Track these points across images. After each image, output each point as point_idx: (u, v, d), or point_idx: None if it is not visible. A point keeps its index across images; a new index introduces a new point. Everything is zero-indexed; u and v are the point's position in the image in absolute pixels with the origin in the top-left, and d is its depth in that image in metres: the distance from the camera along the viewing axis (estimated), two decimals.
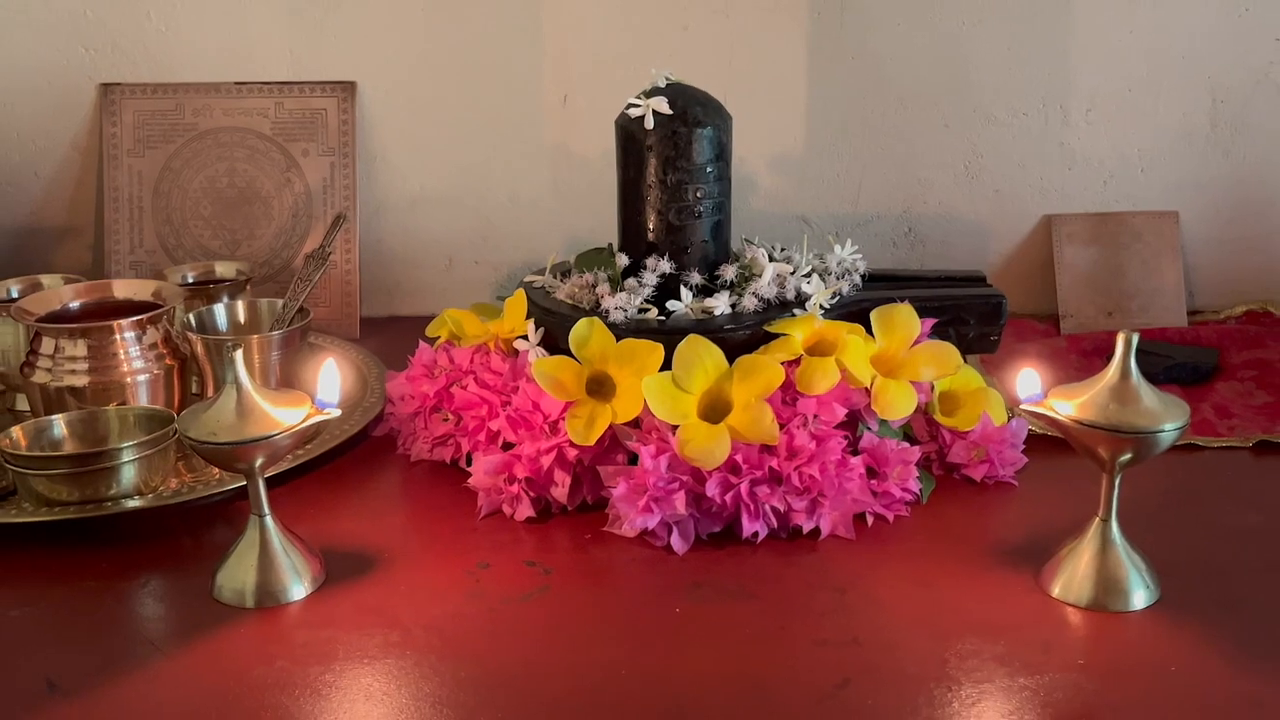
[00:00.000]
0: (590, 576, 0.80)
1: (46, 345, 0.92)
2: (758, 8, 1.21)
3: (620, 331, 0.89)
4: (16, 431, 0.87)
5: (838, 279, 0.97)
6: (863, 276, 0.99)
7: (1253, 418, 1.01)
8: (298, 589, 0.77)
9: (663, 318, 0.91)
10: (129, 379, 0.92)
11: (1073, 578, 0.75)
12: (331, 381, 0.79)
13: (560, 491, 0.86)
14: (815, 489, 0.82)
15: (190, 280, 1.14)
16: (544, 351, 0.91)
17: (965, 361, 0.92)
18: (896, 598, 0.77)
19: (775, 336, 0.89)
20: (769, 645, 0.72)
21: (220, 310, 1.04)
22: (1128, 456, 0.73)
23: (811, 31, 1.22)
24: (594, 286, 0.93)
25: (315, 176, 1.26)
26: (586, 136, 1.25)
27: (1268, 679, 0.68)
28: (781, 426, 0.83)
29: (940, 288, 1.00)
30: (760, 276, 0.93)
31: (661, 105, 0.91)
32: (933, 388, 0.92)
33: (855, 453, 0.86)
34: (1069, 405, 0.74)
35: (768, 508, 0.82)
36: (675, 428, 0.83)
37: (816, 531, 0.83)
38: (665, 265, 0.93)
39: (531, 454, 0.85)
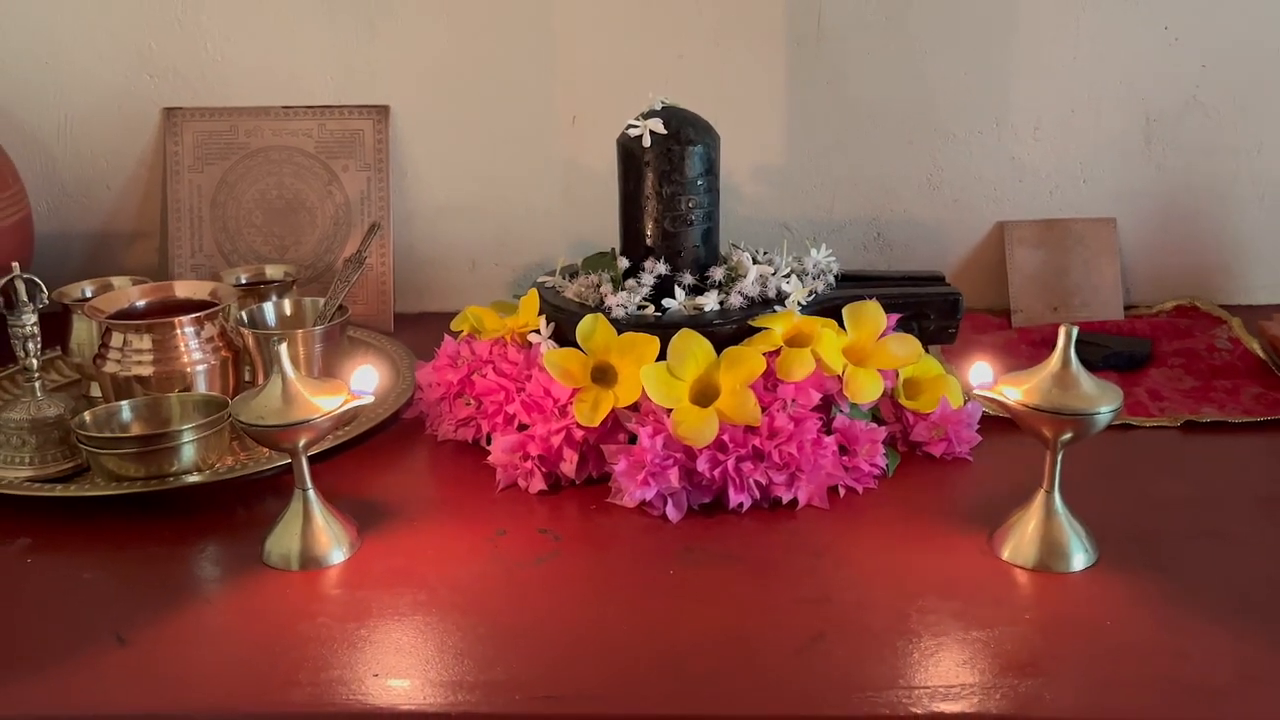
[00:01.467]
0: (595, 542, 0.80)
1: (116, 339, 0.91)
2: (744, 38, 1.21)
3: (621, 326, 0.88)
4: (89, 415, 0.87)
5: (814, 279, 0.96)
6: (836, 277, 0.99)
7: (1181, 400, 1.01)
8: (337, 554, 0.77)
9: (659, 314, 0.91)
10: (189, 369, 0.91)
11: (1020, 542, 0.75)
12: (367, 373, 0.79)
13: (569, 467, 0.86)
14: (793, 464, 0.82)
15: (243, 281, 1.14)
16: (554, 344, 0.91)
17: (926, 351, 0.92)
18: (865, 560, 0.77)
19: (758, 330, 0.89)
20: (752, 602, 0.72)
21: (269, 308, 1.04)
22: (1069, 435, 0.73)
23: (791, 59, 1.21)
24: (598, 286, 0.93)
25: (354, 189, 1.25)
26: (592, 153, 1.25)
27: (1191, 632, 0.68)
28: (763, 409, 0.83)
29: (904, 286, 0.99)
30: (745, 277, 0.93)
31: (658, 126, 0.91)
32: (898, 375, 0.91)
33: (829, 432, 0.86)
34: (1017, 390, 0.74)
35: (751, 481, 0.82)
36: (670, 411, 0.83)
37: (794, 502, 0.83)
38: (661, 267, 0.93)
39: (543, 434, 0.85)
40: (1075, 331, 0.73)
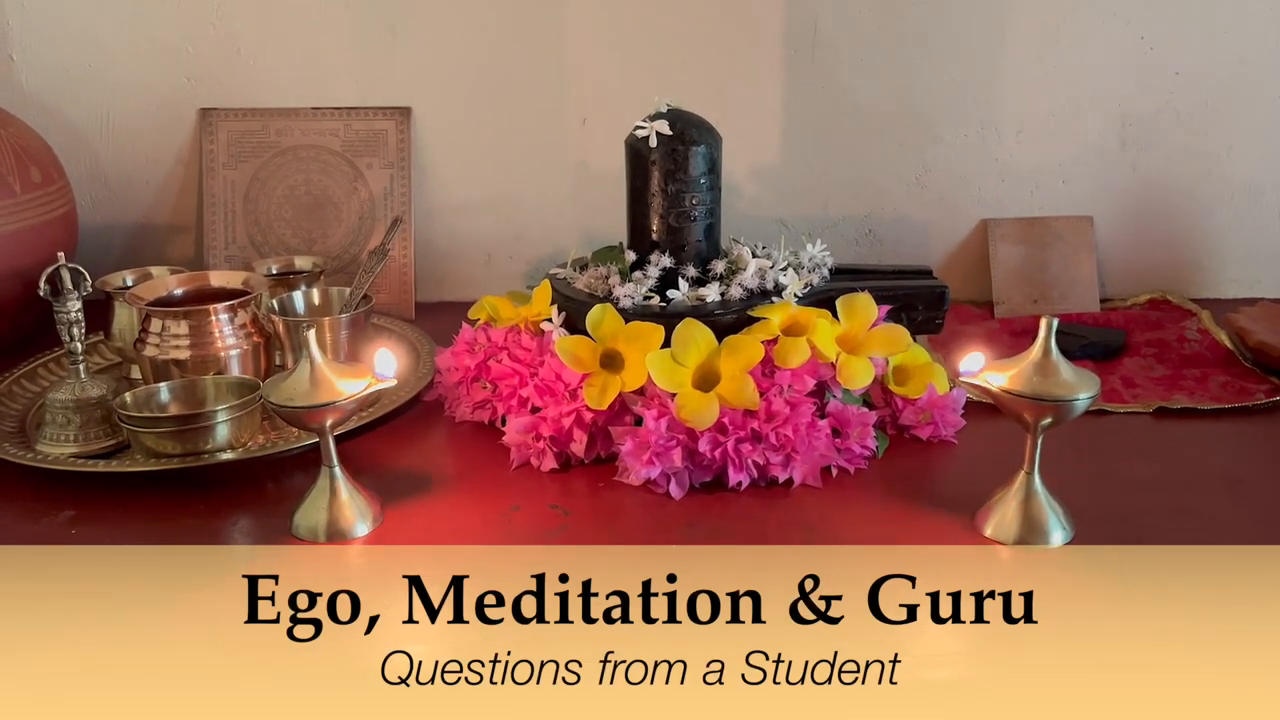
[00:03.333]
0: (602, 518, 0.80)
1: (155, 325, 0.91)
2: (744, 46, 1.20)
3: (628, 315, 0.88)
4: (130, 396, 0.87)
5: (809, 272, 0.96)
6: (830, 270, 0.98)
7: (1152, 388, 1.00)
8: (361, 527, 0.77)
9: (664, 304, 0.90)
10: (223, 353, 0.91)
11: (1002, 520, 0.75)
12: (388, 358, 0.79)
13: (578, 447, 0.85)
14: (789, 446, 0.82)
15: (274, 271, 1.13)
16: (565, 332, 0.90)
17: (915, 341, 0.92)
18: (855, 536, 0.76)
19: (757, 320, 0.88)
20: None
21: (298, 296, 1.04)
22: (1048, 420, 0.72)
23: (788, 66, 1.21)
24: (607, 278, 0.92)
25: (377, 186, 1.25)
26: (602, 153, 1.24)
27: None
28: (761, 394, 0.82)
29: (894, 279, 0.99)
30: (745, 270, 0.93)
31: (663, 127, 0.90)
32: (887, 362, 0.91)
33: (823, 416, 0.85)
34: (1000, 377, 0.73)
35: (750, 461, 0.81)
36: (673, 395, 0.82)
37: (790, 481, 0.82)
38: (666, 260, 0.92)
39: (555, 416, 0.85)
40: (1055, 323, 0.72)
